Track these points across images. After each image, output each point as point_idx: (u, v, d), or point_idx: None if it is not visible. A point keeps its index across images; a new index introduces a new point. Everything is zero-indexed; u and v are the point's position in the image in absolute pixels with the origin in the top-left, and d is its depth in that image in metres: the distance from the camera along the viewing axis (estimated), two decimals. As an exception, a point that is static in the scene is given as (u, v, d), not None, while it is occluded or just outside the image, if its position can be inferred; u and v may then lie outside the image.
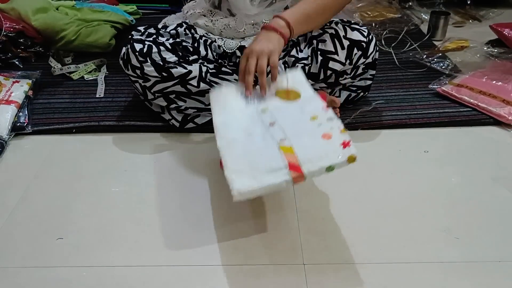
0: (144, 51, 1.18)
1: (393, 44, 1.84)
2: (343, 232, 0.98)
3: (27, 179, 1.15)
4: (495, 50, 1.73)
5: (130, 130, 1.33)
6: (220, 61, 1.31)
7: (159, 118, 1.32)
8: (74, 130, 1.33)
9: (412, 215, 1.02)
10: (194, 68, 1.22)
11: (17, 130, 1.31)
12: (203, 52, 1.28)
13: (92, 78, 1.62)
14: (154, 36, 1.24)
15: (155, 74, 1.20)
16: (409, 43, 1.83)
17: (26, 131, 1.32)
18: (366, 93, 1.41)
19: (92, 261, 0.92)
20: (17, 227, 1.01)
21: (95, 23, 1.82)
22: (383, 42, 1.85)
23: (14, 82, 1.44)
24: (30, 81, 1.48)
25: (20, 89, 1.42)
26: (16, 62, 1.70)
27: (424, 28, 2.01)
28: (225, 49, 1.31)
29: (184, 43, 1.24)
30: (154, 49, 1.19)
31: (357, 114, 1.35)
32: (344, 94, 1.38)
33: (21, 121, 1.33)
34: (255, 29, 1.31)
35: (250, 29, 1.31)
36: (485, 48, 1.76)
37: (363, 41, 1.25)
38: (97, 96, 1.51)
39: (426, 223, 1.00)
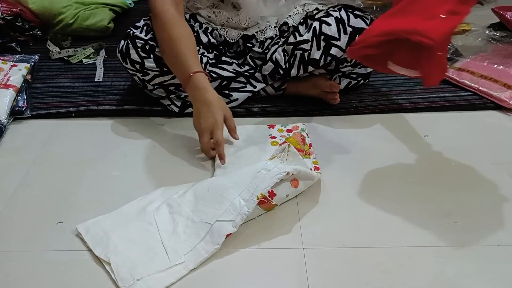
0: (147, 48, 1.17)
1: (394, 28, 1.81)
2: (342, 216, 0.98)
3: (27, 163, 1.15)
4: (497, 34, 1.72)
5: (129, 115, 1.33)
6: (221, 47, 1.30)
7: (158, 102, 1.31)
8: (73, 114, 1.33)
9: (412, 199, 1.02)
10: None
11: (15, 114, 1.31)
12: (204, 40, 1.26)
13: (90, 62, 1.61)
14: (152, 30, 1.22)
15: (156, 68, 1.19)
16: (410, 27, 1.81)
17: (25, 115, 1.31)
18: (367, 80, 1.40)
19: (92, 245, 0.92)
20: (17, 211, 1.01)
21: (93, 6, 1.80)
22: (384, 25, 1.83)
23: (12, 66, 1.43)
24: (28, 65, 1.47)
25: (18, 73, 1.41)
26: (14, 46, 1.69)
27: (426, 11, 1.99)
28: (227, 38, 1.30)
29: None
30: (157, 47, 1.17)
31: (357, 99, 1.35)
32: (345, 81, 1.37)
33: (20, 105, 1.32)
34: (258, 23, 1.29)
35: (253, 22, 1.29)
36: (487, 32, 1.75)
37: (365, 29, 1.23)
38: (96, 80, 1.50)
39: (425, 207, 1.00)
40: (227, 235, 0.90)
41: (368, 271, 0.86)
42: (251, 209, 0.92)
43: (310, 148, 1.14)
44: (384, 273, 0.86)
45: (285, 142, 1.13)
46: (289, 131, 1.21)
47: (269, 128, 1.24)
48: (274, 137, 1.20)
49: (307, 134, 1.19)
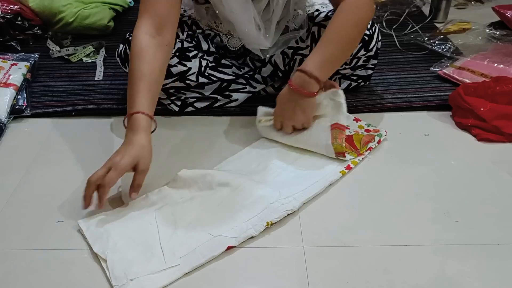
0: None
1: (394, 26, 1.82)
2: (343, 215, 0.98)
3: (27, 162, 1.15)
4: (497, 33, 1.72)
5: (130, 113, 1.33)
6: (221, 52, 1.29)
7: (159, 102, 1.30)
8: (73, 113, 1.33)
9: (412, 198, 1.02)
10: (194, 65, 1.21)
11: (16, 113, 1.31)
12: (205, 47, 1.26)
13: (90, 61, 1.61)
14: None
15: None
16: (410, 25, 1.81)
17: (25, 114, 1.31)
18: (367, 82, 1.40)
19: (93, 244, 0.92)
20: (17, 210, 1.01)
21: (93, 5, 1.80)
22: (384, 24, 1.83)
23: (12, 65, 1.43)
24: (28, 64, 1.46)
25: (18, 72, 1.41)
26: (14, 45, 1.69)
27: (426, 10, 1.99)
28: (228, 46, 1.28)
29: (185, 42, 1.22)
30: None
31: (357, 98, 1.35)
32: (345, 83, 1.36)
33: (20, 104, 1.32)
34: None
35: None
36: (487, 31, 1.74)
37: (366, 34, 1.22)
38: (96, 79, 1.50)
39: (425, 206, 1.00)
40: (228, 247, 0.90)
41: (368, 270, 0.86)
42: (258, 233, 0.93)
43: (366, 151, 1.14)
44: (384, 272, 0.86)
45: (349, 135, 1.16)
46: (367, 130, 1.20)
47: (353, 120, 1.24)
48: (348, 128, 1.19)
49: (378, 141, 1.17)
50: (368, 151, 1.15)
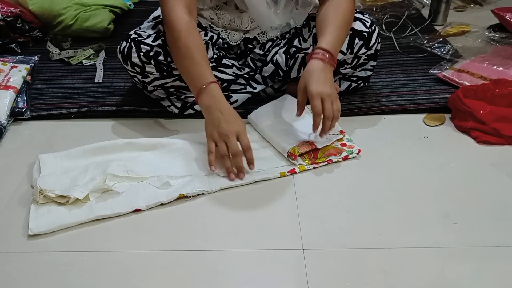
0: (151, 55, 1.17)
1: (393, 29, 1.82)
2: (342, 217, 0.98)
3: (26, 164, 1.15)
4: (497, 35, 1.72)
5: (129, 116, 1.33)
6: (221, 52, 1.30)
7: (158, 104, 1.31)
8: (73, 116, 1.33)
9: (411, 200, 1.02)
10: None
11: (15, 115, 1.31)
12: (210, 54, 1.26)
13: (90, 63, 1.61)
14: (162, 36, 1.19)
15: (156, 73, 1.19)
16: (410, 28, 1.82)
17: (25, 116, 1.31)
18: (366, 83, 1.40)
19: (92, 246, 0.92)
20: (17, 212, 1.01)
21: (93, 8, 1.80)
22: (383, 26, 1.84)
23: (12, 67, 1.43)
24: (28, 66, 1.47)
25: (18, 74, 1.41)
26: (14, 47, 1.69)
27: (425, 12, 2.00)
28: (229, 41, 1.29)
29: None
30: (162, 54, 1.17)
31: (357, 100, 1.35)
32: (345, 84, 1.37)
33: (20, 107, 1.33)
34: (260, 27, 1.29)
35: (255, 25, 1.29)
36: (487, 33, 1.75)
37: (365, 31, 1.23)
38: (96, 81, 1.50)
39: (425, 209, 1.00)
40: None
41: (367, 272, 0.86)
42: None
43: (323, 162, 1.12)
44: (383, 274, 0.86)
45: (317, 149, 1.14)
46: (342, 144, 1.17)
47: (339, 132, 1.20)
48: (316, 147, 1.15)
49: (345, 157, 1.14)
50: (326, 163, 1.13)
